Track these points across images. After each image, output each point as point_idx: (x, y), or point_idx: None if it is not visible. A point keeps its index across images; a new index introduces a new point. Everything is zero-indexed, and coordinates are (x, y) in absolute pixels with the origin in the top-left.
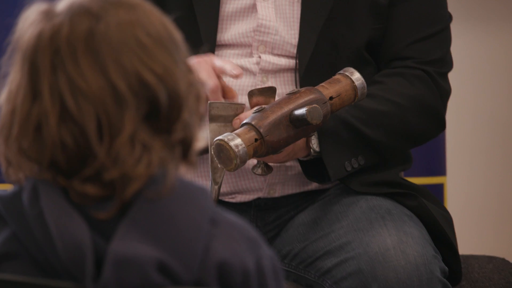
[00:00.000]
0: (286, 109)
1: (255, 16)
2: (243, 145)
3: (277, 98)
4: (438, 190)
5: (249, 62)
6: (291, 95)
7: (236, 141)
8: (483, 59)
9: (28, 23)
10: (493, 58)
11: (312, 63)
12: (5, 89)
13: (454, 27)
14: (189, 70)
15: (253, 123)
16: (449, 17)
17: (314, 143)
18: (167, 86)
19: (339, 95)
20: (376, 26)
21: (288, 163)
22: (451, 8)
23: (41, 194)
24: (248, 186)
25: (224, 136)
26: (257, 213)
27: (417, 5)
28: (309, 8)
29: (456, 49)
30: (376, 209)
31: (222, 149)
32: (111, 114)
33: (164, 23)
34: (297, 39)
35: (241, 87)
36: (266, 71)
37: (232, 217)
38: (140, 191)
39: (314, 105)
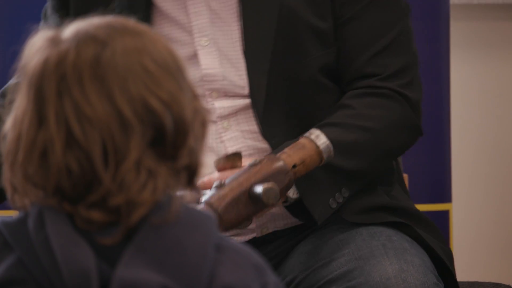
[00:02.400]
0: (244, 186)
1: (199, 64)
2: None
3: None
4: (443, 217)
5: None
6: (251, 168)
7: None
8: (489, 85)
9: (35, 50)
10: (499, 84)
11: (269, 101)
12: (11, 115)
13: (460, 53)
14: (195, 96)
15: (211, 201)
16: (404, 13)
17: (290, 191)
18: (172, 112)
19: (303, 162)
20: (324, 51)
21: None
22: (459, 34)
23: (46, 220)
24: (239, 230)
25: None
26: (255, 247)
27: (364, 21)
28: (251, 50)
29: (462, 75)
30: (377, 236)
31: None
32: (116, 140)
33: (169, 50)
34: (245, 80)
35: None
36: (225, 116)
37: (237, 243)
38: (146, 217)
39: (270, 184)
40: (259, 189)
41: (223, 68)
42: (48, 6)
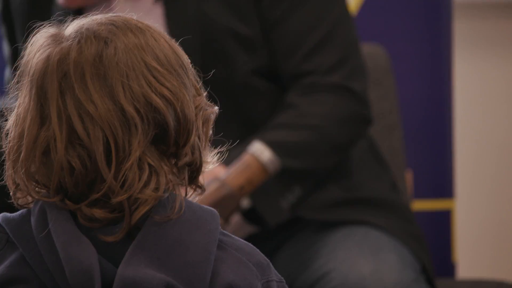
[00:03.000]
0: None
1: None
2: None
3: None
4: (446, 215)
5: None
6: (197, 196)
7: None
8: (492, 83)
9: (37, 47)
10: (502, 82)
11: None
12: (14, 113)
13: (462, 52)
14: (198, 93)
15: None
16: (334, 4)
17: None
18: (175, 109)
19: (249, 182)
20: (253, 57)
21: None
22: (462, 33)
23: (49, 217)
24: None
25: None
26: None
27: (293, 20)
28: None
29: (466, 73)
30: (352, 235)
31: None
32: (119, 138)
33: (172, 47)
34: None
35: None
36: None
37: (240, 241)
38: (148, 215)
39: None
40: None
41: None
42: None
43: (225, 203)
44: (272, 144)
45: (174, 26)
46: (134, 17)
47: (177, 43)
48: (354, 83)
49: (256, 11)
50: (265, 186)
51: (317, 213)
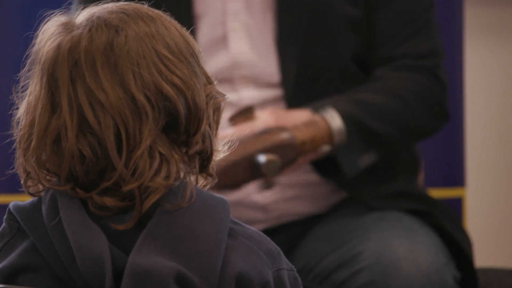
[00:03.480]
0: (248, 151)
1: (228, 49)
2: None
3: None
4: (457, 203)
5: (233, 99)
6: (260, 135)
7: None
8: (503, 70)
9: (48, 36)
10: None
11: (297, 90)
12: (24, 102)
13: (474, 40)
14: (209, 82)
15: None
16: (429, 6)
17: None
18: (186, 97)
19: (313, 140)
20: (356, 39)
21: (286, 197)
22: (474, 20)
23: (60, 206)
24: (251, 217)
25: None
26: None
27: (396, 7)
28: (284, 37)
29: (477, 61)
30: (386, 218)
31: None
32: (130, 126)
33: (183, 36)
34: (275, 67)
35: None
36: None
37: (251, 229)
38: (159, 203)
39: (274, 157)
40: (262, 158)
41: (253, 54)
42: None
43: (285, 150)
44: (345, 115)
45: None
46: (145, 5)
47: (285, 15)
48: (442, 74)
49: None
50: (348, 140)
51: (380, 201)
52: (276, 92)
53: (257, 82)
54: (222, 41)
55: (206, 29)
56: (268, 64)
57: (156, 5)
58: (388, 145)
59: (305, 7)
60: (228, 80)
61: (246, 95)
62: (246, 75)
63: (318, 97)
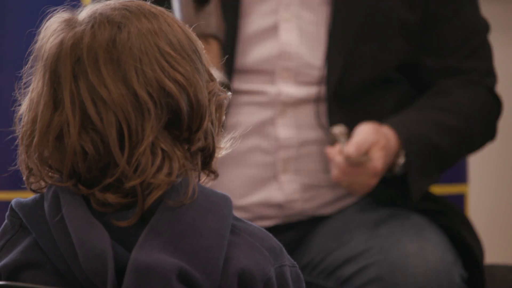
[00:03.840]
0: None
1: (277, 39)
2: None
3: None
4: (460, 199)
5: (270, 94)
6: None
7: None
8: (506, 68)
9: (50, 32)
10: None
11: (340, 88)
12: (27, 98)
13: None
14: (211, 79)
15: None
16: (486, 25)
17: (398, 167)
18: (188, 94)
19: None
20: (406, 45)
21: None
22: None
23: (62, 202)
24: (265, 213)
25: None
26: (273, 232)
27: (460, 19)
28: (335, 30)
29: None
30: (395, 216)
31: None
32: (132, 122)
33: (186, 32)
34: (321, 61)
35: (261, 117)
36: (286, 104)
37: (253, 226)
38: (161, 200)
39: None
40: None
41: (302, 46)
42: None
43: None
44: (421, 139)
45: None
46: (148, 2)
47: (341, 10)
48: (498, 95)
49: (423, 2)
50: (425, 164)
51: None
52: (315, 91)
53: (298, 77)
54: (272, 30)
55: (257, 17)
56: (315, 57)
57: None
58: (449, 166)
59: (362, 4)
60: (270, 71)
61: (285, 90)
62: (290, 67)
63: (358, 100)
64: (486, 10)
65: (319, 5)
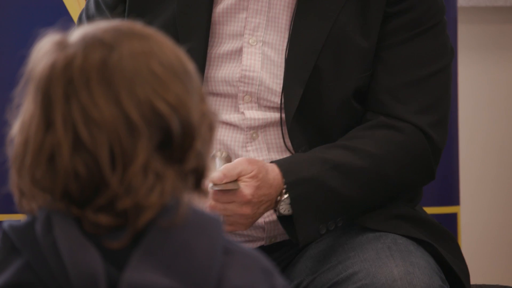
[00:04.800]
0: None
1: (240, 63)
2: None
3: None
4: (451, 220)
5: (236, 118)
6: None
7: None
8: (497, 87)
9: (42, 54)
10: (507, 86)
11: (299, 116)
12: (19, 120)
13: (468, 55)
14: (202, 99)
15: None
16: (449, 55)
17: (284, 207)
18: (180, 115)
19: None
20: (363, 74)
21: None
22: (467, 36)
23: (54, 224)
24: (250, 235)
25: None
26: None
27: (408, 48)
28: (294, 59)
29: (470, 78)
30: (382, 239)
31: None
32: (124, 143)
33: (177, 54)
34: (281, 88)
35: (233, 143)
36: (254, 127)
37: (245, 247)
38: (153, 220)
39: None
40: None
41: (263, 72)
42: (94, 5)
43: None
44: (312, 179)
45: (302, 19)
46: (139, 24)
47: (299, 37)
48: (437, 134)
49: (379, 29)
50: (313, 206)
51: (378, 223)
52: (278, 115)
53: (260, 100)
54: (238, 53)
55: (225, 38)
56: (275, 84)
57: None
58: (357, 209)
59: (321, 31)
60: (233, 95)
61: (249, 115)
62: (251, 92)
63: (317, 124)
64: (465, 30)
65: (281, 31)
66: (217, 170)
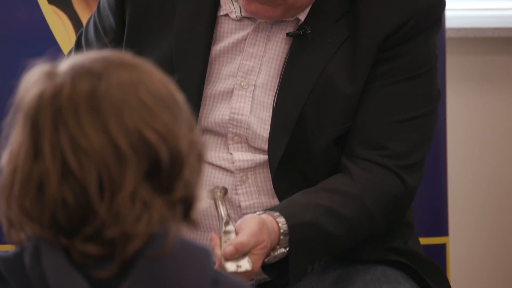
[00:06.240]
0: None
1: (230, 104)
2: None
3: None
4: (440, 250)
5: (226, 161)
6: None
7: None
8: (485, 119)
9: (31, 84)
10: (495, 118)
11: (285, 159)
12: (7, 150)
13: (457, 86)
14: (191, 129)
15: None
16: (435, 100)
17: (277, 253)
18: (168, 144)
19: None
20: (346, 124)
21: None
22: (455, 67)
23: (42, 254)
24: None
25: None
26: None
27: (392, 91)
28: (282, 106)
29: (458, 109)
30: (371, 270)
31: None
32: (112, 172)
33: (165, 83)
34: (267, 133)
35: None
36: (244, 169)
37: (233, 278)
38: (141, 250)
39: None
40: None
41: (251, 116)
42: (93, 30)
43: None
44: (304, 225)
45: (292, 68)
46: (128, 54)
47: (287, 86)
48: (411, 177)
49: (369, 72)
50: (308, 247)
51: (369, 254)
52: (267, 157)
53: (249, 144)
54: (229, 94)
55: (220, 78)
56: (263, 129)
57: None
58: (339, 248)
59: (308, 81)
60: (223, 134)
61: (237, 157)
62: (239, 134)
63: (303, 170)
64: (453, 61)
65: (273, 77)
66: (230, 243)
